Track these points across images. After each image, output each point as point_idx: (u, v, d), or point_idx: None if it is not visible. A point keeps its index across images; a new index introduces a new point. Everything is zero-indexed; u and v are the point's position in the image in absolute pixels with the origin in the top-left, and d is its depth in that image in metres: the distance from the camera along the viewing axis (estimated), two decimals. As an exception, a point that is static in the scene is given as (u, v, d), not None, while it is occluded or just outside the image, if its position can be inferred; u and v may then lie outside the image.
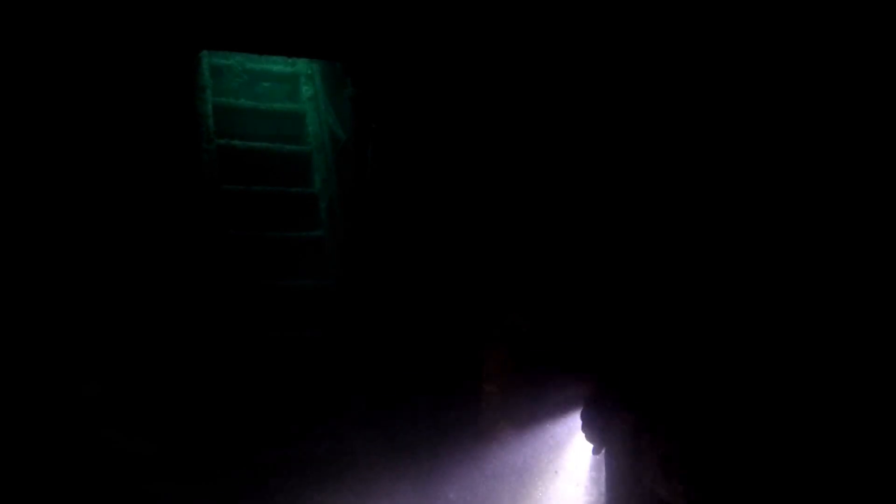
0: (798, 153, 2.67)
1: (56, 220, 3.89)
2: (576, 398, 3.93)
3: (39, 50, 3.71)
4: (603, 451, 3.73)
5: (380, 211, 4.82)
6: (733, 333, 2.91)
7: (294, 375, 4.68)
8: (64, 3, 3.67)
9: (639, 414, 3.36)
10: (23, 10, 3.61)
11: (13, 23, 3.61)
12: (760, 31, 2.80)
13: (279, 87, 5.76)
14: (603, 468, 3.83)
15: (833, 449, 2.47)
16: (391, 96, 4.57)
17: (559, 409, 4.07)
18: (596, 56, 3.60)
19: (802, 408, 2.59)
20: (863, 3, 2.43)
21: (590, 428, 3.76)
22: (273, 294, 4.91)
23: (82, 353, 3.88)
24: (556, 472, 4.33)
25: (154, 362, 4.11)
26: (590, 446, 3.81)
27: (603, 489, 3.84)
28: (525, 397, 4.26)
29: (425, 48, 4.28)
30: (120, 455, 3.83)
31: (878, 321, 2.39)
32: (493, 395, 4.52)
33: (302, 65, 5.78)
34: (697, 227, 3.13)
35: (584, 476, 4.21)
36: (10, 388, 3.65)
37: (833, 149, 2.55)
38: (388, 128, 4.67)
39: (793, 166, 2.69)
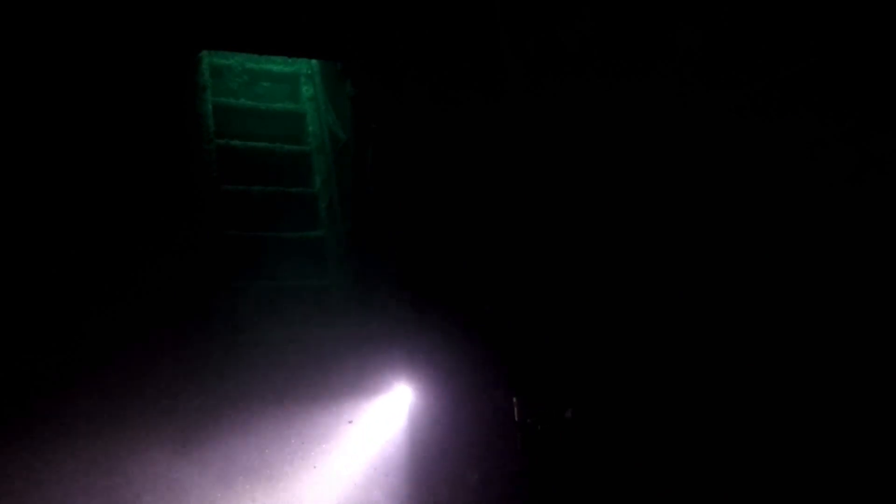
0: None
1: (53, 219, 3.89)
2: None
3: (41, 50, 3.71)
4: None
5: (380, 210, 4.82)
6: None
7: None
8: (65, 4, 3.67)
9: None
10: (25, 9, 3.61)
11: (15, 22, 3.61)
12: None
13: (279, 87, 5.75)
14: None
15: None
16: (391, 96, 4.56)
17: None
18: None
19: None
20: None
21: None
22: (272, 294, 4.90)
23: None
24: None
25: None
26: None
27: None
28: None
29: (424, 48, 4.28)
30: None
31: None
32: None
33: (302, 65, 5.77)
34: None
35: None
36: None
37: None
38: (388, 128, 4.66)
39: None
